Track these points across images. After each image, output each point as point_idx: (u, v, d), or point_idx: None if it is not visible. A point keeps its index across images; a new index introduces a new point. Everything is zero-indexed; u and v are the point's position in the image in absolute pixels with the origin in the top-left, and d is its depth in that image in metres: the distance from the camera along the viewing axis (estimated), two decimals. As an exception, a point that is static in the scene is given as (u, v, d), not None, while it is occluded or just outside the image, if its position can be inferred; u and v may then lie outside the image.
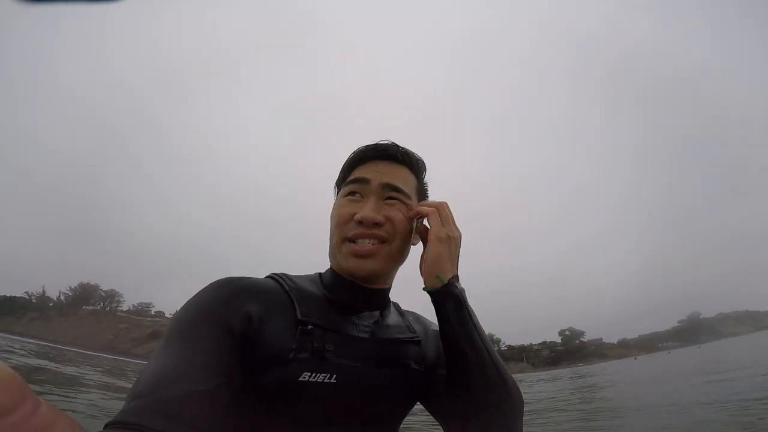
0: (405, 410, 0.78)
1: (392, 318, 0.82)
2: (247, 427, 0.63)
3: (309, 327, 0.67)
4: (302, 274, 0.83)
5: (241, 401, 0.61)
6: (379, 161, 0.81)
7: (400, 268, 0.82)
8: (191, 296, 0.67)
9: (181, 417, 0.52)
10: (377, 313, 0.80)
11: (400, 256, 0.78)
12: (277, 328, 0.65)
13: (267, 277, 0.78)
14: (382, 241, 0.75)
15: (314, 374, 0.64)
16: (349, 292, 0.77)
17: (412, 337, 0.79)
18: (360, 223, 0.74)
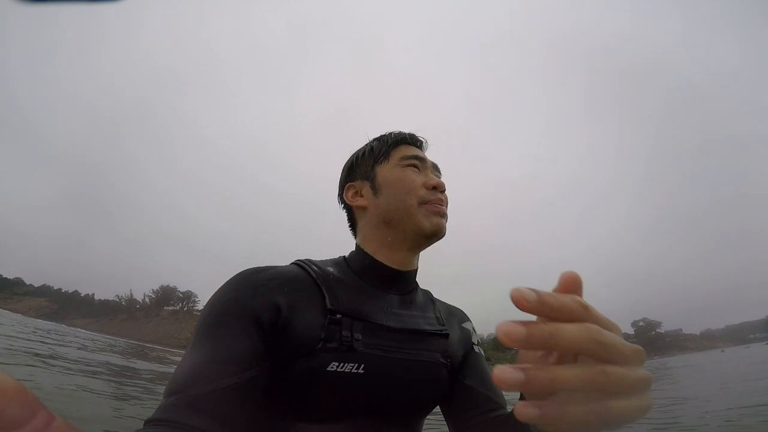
0: (431, 404, 0.76)
1: (423, 307, 0.81)
2: (276, 418, 0.63)
3: (337, 316, 0.66)
4: (326, 258, 0.82)
5: (270, 392, 0.61)
6: (415, 147, 0.86)
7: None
8: (218, 288, 0.67)
9: (215, 411, 0.53)
10: (408, 298, 0.79)
11: None
12: (306, 318, 0.65)
13: (292, 264, 0.77)
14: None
15: (342, 364, 0.63)
16: (380, 274, 0.77)
17: (441, 330, 0.78)
18: (434, 188, 0.78)
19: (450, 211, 0.81)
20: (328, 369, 0.62)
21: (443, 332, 0.78)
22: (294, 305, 0.65)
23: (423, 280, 0.86)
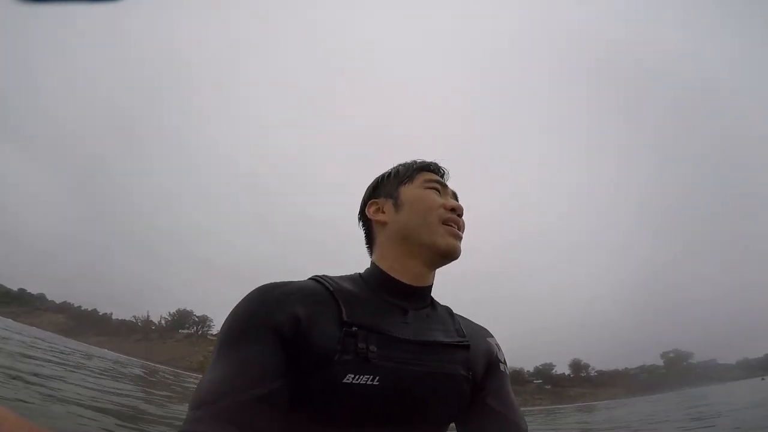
0: (450, 417, 0.76)
1: (441, 320, 0.81)
2: (297, 429, 0.63)
3: (353, 328, 0.67)
4: (342, 274, 0.84)
5: (290, 404, 0.62)
6: (437, 175, 0.91)
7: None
8: (238, 302, 0.69)
9: (243, 423, 0.54)
10: (424, 312, 0.79)
11: None
12: (324, 330, 0.66)
13: (309, 279, 0.78)
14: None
15: (357, 376, 0.63)
16: (395, 289, 0.78)
17: (461, 341, 0.77)
18: (452, 210, 0.83)
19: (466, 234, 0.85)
20: (344, 381, 0.62)
21: (463, 343, 0.77)
22: (312, 318, 0.67)
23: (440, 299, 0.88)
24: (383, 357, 0.66)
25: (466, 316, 0.90)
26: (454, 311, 0.87)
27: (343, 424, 0.64)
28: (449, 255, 0.80)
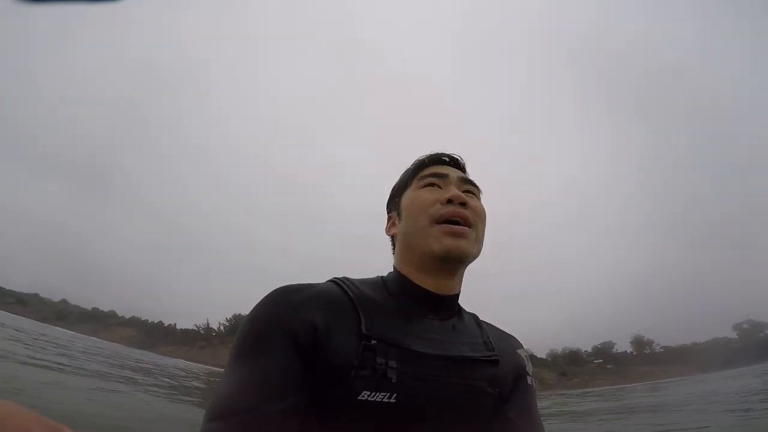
0: None
1: (467, 332, 0.76)
2: None
3: (372, 342, 0.63)
4: (364, 278, 0.79)
5: (305, 418, 0.59)
6: (446, 166, 0.83)
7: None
8: (255, 305, 0.66)
9: None
10: (450, 324, 0.74)
11: (481, 244, 0.77)
12: (341, 342, 0.63)
13: (329, 281, 0.75)
14: (468, 225, 0.74)
15: (373, 393, 0.60)
16: (417, 297, 0.73)
17: (489, 356, 0.72)
18: (449, 201, 0.73)
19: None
20: (359, 398, 0.59)
21: (492, 358, 0.72)
22: (330, 327, 0.63)
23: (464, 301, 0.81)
24: (403, 374, 0.62)
25: (493, 323, 0.85)
26: (489, 307, 0.83)
27: None
28: (448, 258, 0.71)
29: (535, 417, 0.75)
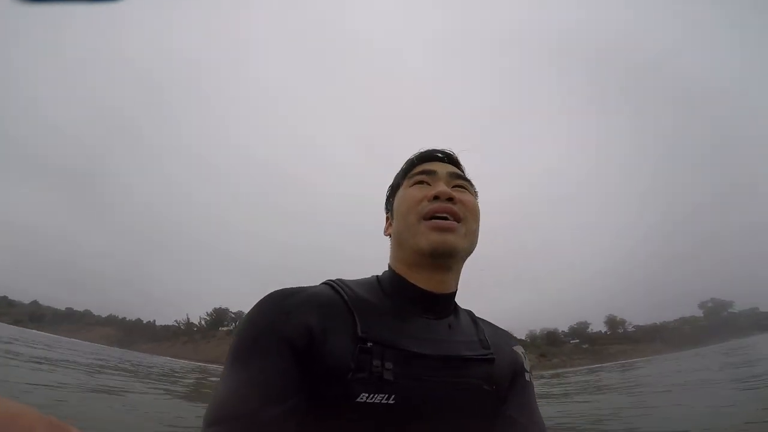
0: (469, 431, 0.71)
1: (463, 330, 0.76)
2: None
3: (369, 344, 0.63)
4: (358, 278, 0.79)
5: (303, 420, 0.59)
6: (436, 162, 0.83)
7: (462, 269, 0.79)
8: (249, 311, 0.66)
9: None
10: (446, 322, 0.74)
11: (474, 239, 0.77)
12: (338, 345, 0.63)
13: (323, 284, 0.75)
14: (457, 219, 0.74)
15: (372, 395, 0.60)
16: (412, 297, 0.73)
17: (485, 355, 0.73)
18: (435, 198, 0.74)
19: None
20: (358, 400, 0.60)
21: (488, 356, 0.73)
22: (326, 331, 0.64)
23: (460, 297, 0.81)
24: (399, 375, 0.63)
25: (489, 320, 0.86)
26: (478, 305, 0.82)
27: None
28: (436, 254, 0.71)
29: (536, 413, 0.76)
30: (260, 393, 0.55)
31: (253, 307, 0.66)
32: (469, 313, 0.83)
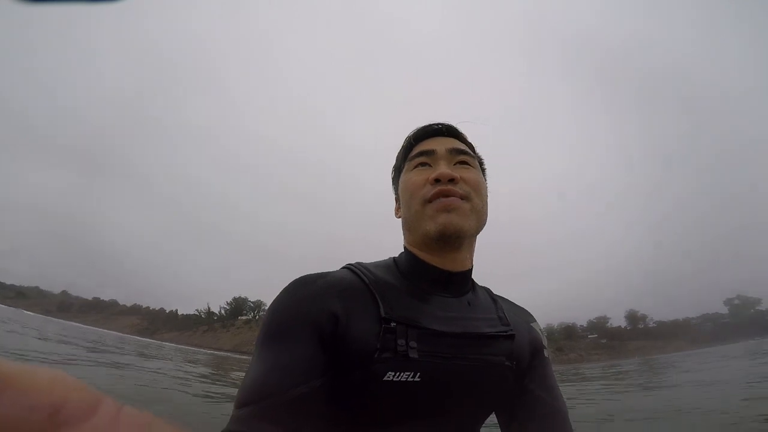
0: (491, 409, 0.75)
1: (482, 307, 0.78)
2: (338, 427, 0.62)
3: (392, 324, 0.65)
4: (377, 261, 0.81)
5: (331, 401, 0.61)
6: (436, 137, 0.82)
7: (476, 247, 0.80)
8: (275, 297, 0.68)
9: (288, 421, 0.53)
10: (465, 300, 0.76)
11: (483, 215, 0.76)
12: (362, 328, 0.64)
13: (344, 268, 0.76)
14: (462, 198, 0.73)
15: (398, 373, 0.62)
16: (429, 276, 0.75)
17: (506, 331, 0.74)
18: (437, 181, 0.73)
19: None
20: (385, 379, 0.61)
21: (508, 333, 0.74)
22: (350, 314, 0.65)
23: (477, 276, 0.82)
24: (424, 353, 0.64)
25: (507, 297, 0.87)
26: (497, 284, 0.82)
27: (385, 420, 0.63)
28: (444, 236, 0.71)
29: (556, 389, 0.78)
30: (288, 374, 0.57)
31: (279, 294, 0.68)
32: (487, 290, 0.85)
